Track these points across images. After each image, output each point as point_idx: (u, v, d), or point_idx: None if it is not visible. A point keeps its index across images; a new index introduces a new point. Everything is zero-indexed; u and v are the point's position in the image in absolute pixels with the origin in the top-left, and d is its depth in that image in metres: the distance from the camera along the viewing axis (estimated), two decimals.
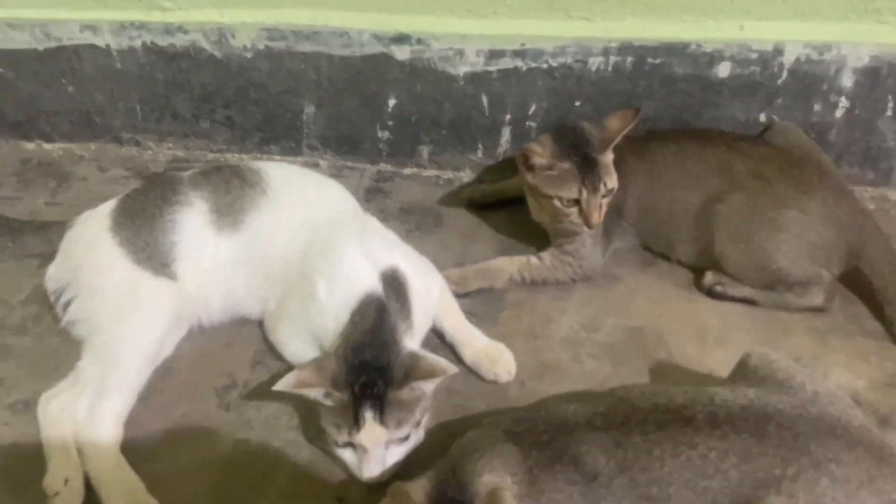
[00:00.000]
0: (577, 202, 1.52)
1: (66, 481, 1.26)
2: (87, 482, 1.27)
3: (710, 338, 1.52)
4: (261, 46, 1.83)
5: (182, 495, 1.27)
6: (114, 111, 1.99)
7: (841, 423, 1.09)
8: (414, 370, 1.24)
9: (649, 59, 1.74)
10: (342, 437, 1.23)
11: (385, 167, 1.98)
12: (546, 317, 1.58)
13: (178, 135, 2.01)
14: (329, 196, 1.54)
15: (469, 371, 1.45)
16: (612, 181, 1.52)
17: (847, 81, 1.73)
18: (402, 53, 1.79)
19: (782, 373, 1.17)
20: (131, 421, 1.34)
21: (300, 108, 1.92)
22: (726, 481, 1.05)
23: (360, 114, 1.90)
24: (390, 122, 1.91)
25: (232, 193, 1.48)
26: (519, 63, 1.77)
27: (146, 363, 1.39)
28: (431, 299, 1.47)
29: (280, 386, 1.22)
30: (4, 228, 1.64)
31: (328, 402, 1.23)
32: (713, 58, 1.72)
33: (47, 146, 2.06)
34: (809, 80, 1.74)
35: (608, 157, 1.53)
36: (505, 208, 1.82)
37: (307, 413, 1.35)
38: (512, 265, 1.64)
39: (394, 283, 1.36)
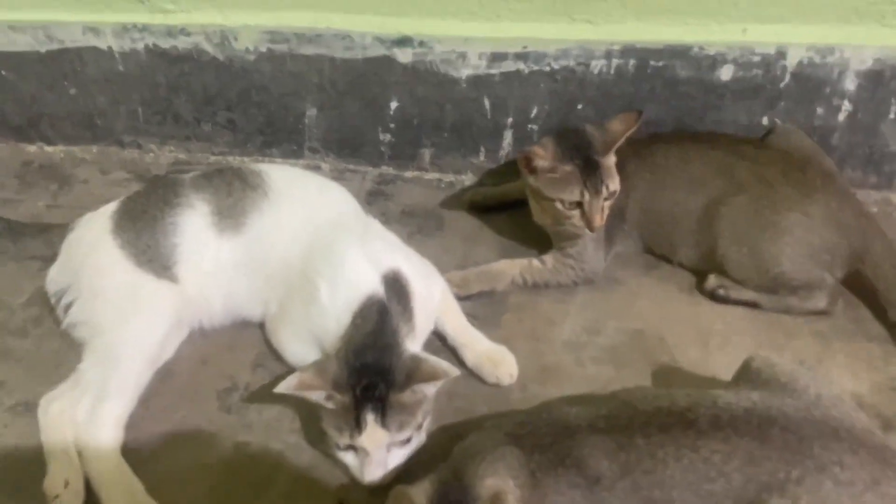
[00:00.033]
0: (579, 205, 1.51)
1: (67, 483, 1.25)
2: (87, 484, 1.27)
3: (712, 341, 1.52)
4: (263, 49, 1.83)
5: (182, 498, 1.27)
6: (115, 114, 1.98)
7: (844, 426, 1.09)
8: (416, 373, 1.24)
9: (652, 62, 1.74)
10: (344, 440, 1.23)
11: (387, 170, 1.98)
12: (548, 320, 1.58)
13: (180, 137, 2.01)
14: (331, 198, 1.54)
15: (471, 374, 1.45)
16: (614, 184, 1.52)
17: (850, 85, 1.73)
18: (404, 56, 1.79)
19: (785, 376, 1.17)
20: (132, 423, 1.34)
21: (302, 111, 1.92)
22: (729, 484, 1.04)
23: (362, 116, 1.90)
24: (392, 125, 1.90)
25: (234, 196, 1.48)
26: (521, 66, 1.77)
27: (147, 366, 1.39)
28: (433, 302, 1.46)
29: (281, 388, 1.21)
30: (5, 231, 1.63)
31: (330, 405, 1.23)
32: (716, 61, 1.72)
33: (49, 149, 2.06)
34: (812, 84, 1.73)
35: (610, 159, 1.52)
36: (507, 211, 1.82)
37: (308, 416, 1.35)
38: (514, 268, 1.63)
39: (395, 285, 1.36)
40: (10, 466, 1.31)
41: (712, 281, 1.60)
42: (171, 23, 1.85)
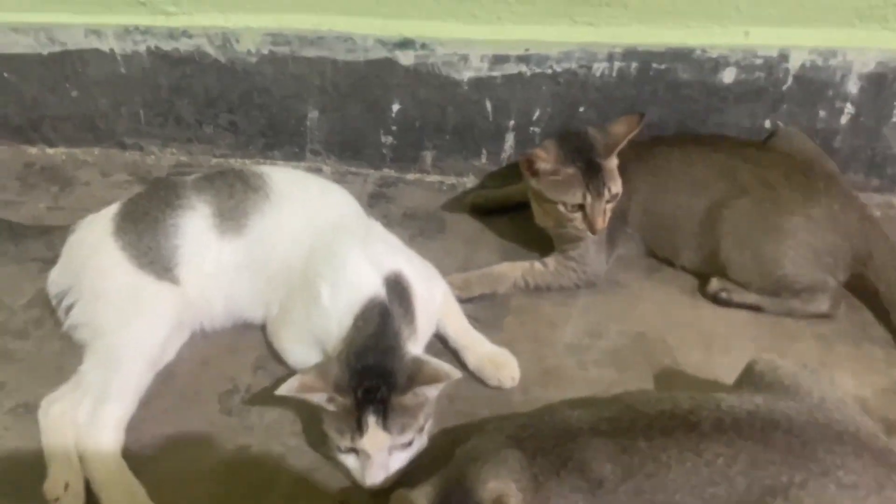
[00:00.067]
0: (581, 207, 1.51)
1: (67, 486, 1.25)
2: (87, 487, 1.26)
3: (715, 344, 1.51)
4: (265, 51, 1.83)
5: (183, 500, 1.27)
6: (117, 116, 1.98)
7: (849, 429, 1.08)
8: (418, 375, 1.23)
9: (654, 65, 1.74)
10: (345, 443, 1.22)
11: (388, 172, 1.97)
12: (550, 323, 1.57)
13: (182, 140, 2.01)
14: (333, 200, 1.53)
15: (472, 377, 1.44)
16: (616, 186, 1.51)
17: (853, 87, 1.73)
18: (406, 59, 1.79)
19: (788, 379, 1.16)
20: (132, 425, 1.34)
21: (304, 113, 1.91)
22: (733, 488, 1.04)
23: (364, 119, 1.90)
24: (394, 128, 1.90)
25: (235, 197, 1.48)
26: (523, 68, 1.77)
27: (148, 368, 1.39)
28: (435, 304, 1.46)
29: (283, 391, 1.21)
30: (7, 233, 1.63)
31: (331, 407, 1.23)
32: (718, 63, 1.72)
33: (50, 151, 2.06)
34: (815, 86, 1.73)
35: (613, 162, 1.52)
36: (508, 214, 1.81)
37: (310, 418, 1.34)
38: (515, 270, 1.63)
39: (397, 287, 1.35)
40: (11, 468, 1.31)
41: (714, 284, 1.59)
42: (172, 25, 1.85)
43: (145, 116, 1.98)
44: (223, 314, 1.49)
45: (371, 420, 1.20)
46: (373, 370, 1.22)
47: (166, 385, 1.42)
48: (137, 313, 1.39)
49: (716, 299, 1.59)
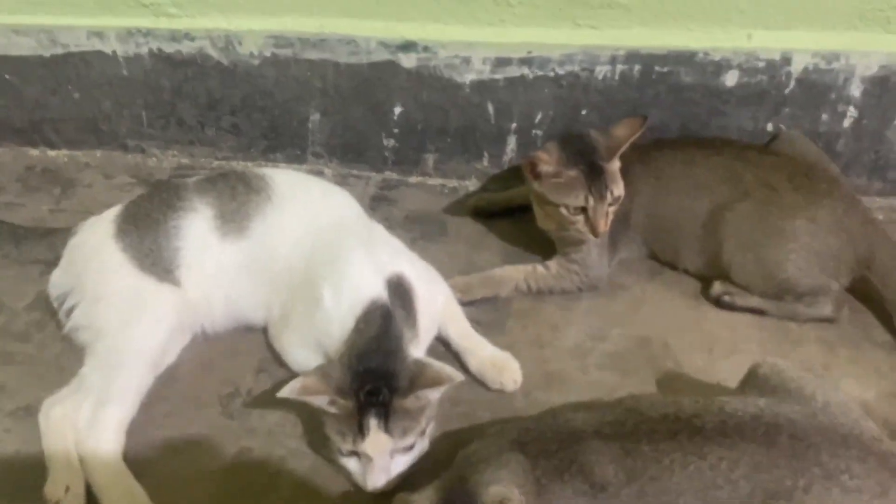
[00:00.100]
0: (583, 210, 1.50)
1: (68, 489, 1.25)
2: (88, 490, 1.26)
3: (718, 348, 1.51)
4: (267, 54, 1.83)
5: (184, 503, 1.26)
6: (119, 118, 1.98)
7: (853, 433, 1.08)
8: (419, 378, 1.23)
9: (656, 68, 1.73)
10: (347, 446, 1.22)
11: (390, 175, 1.97)
12: (552, 326, 1.57)
13: (184, 142, 2.00)
14: (335, 203, 1.53)
15: (474, 380, 1.44)
16: (618, 189, 1.51)
17: (855, 91, 1.72)
18: (408, 61, 1.79)
19: (793, 382, 1.16)
20: (133, 428, 1.33)
21: (306, 116, 1.91)
22: (736, 492, 1.03)
23: (366, 122, 1.90)
24: (396, 130, 1.90)
25: (237, 200, 1.47)
26: (525, 71, 1.77)
27: (149, 370, 1.38)
28: (437, 307, 1.46)
29: (284, 393, 1.21)
30: (8, 235, 1.63)
31: (333, 410, 1.22)
32: (721, 66, 1.72)
33: (52, 153, 2.05)
34: (817, 90, 1.73)
35: (615, 164, 1.52)
36: (510, 217, 1.81)
37: (311, 421, 1.34)
38: (518, 274, 1.63)
39: (399, 290, 1.35)
40: (11, 471, 1.30)
41: (717, 287, 1.59)
42: (175, 27, 1.85)
43: (147, 118, 1.97)
44: (224, 316, 1.49)
45: (373, 423, 1.19)
46: (374, 373, 1.22)
47: (167, 388, 1.42)
48: (139, 315, 1.39)
49: (718, 303, 1.59)
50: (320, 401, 1.22)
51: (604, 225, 1.51)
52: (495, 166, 1.92)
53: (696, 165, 1.60)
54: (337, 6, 1.78)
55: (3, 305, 1.60)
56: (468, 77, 1.79)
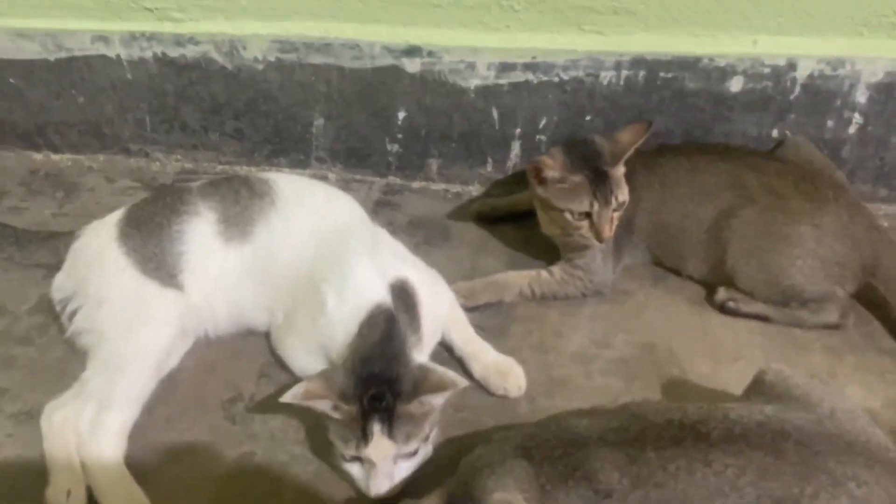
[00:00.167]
0: (588, 215, 1.50)
1: (69, 493, 1.24)
2: (89, 494, 1.25)
3: (723, 354, 1.50)
4: (271, 58, 1.83)
5: None
6: (123, 122, 1.98)
7: (860, 440, 1.07)
8: (423, 383, 1.22)
9: (661, 74, 1.73)
10: (350, 451, 1.21)
11: (394, 180, 1.97)
12: (556, 332, 1.56)
13: (187, 146, 2.00)
14: (338, 207, 1.52)
15: (478, 386, 1.43)
16: (623, 195, 1.51)
17: (861, 97, 1.72)
18: (412, 66, 1.79)
19: (799, 389, 1.15)
20: (135, 432, 1.33)
21: (310, 121, 1.91)
22: (742, 499, 1.02)
23: (370, 126, 1.89)
24: (400, 135, 1.90)
25: (241, 204, 1.47)
26: (530, 76, 1.76)
27: (151, 374, 1.38)
28: (440, 312, 1.45)
29: (287, 398, 1.20)
30: (11, 238, 1.63)
31: (336, 415, 1.21)
32: (726, 72, 1.72)
33: (55, 157, 2.05)
34: (823, 96, 1.73)
35: (620, 170, 1.51)
36: (514, 222, 1.81)
37: (314, 426, 1.33)
38: (521, 279, 1.62)
39: (403, 294, 1.34)
40: (12, 475, 1.30)
41: (722, 293, 1.58)
42: (179, 31, 1.85)
43: (151, 123, 1.97)
44: (227, 321, 1.49)
45: (376, 428, 1.18)
46: (378, 378, 1.21)
47: (169, 392, 1.41)
48: (141, 319, 1.38)
49: (723, 309, 1.58)
50: (323, 406, 1.21)
51: (608, 230, 1.50)
52: (499, 172, 1.91)
53: (700, 171, 1.60)
54: (341, 11, 1.78)
55: (5, 309, 1.60)
56: (473, 82, 1.79)
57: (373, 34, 1.78)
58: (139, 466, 1.29)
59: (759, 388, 1.20)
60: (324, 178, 1.95)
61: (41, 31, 1.88)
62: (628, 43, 1.72)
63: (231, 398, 1.43)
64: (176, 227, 1.45)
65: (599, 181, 1.48)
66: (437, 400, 1.24)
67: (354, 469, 1.23)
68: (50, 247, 1.58)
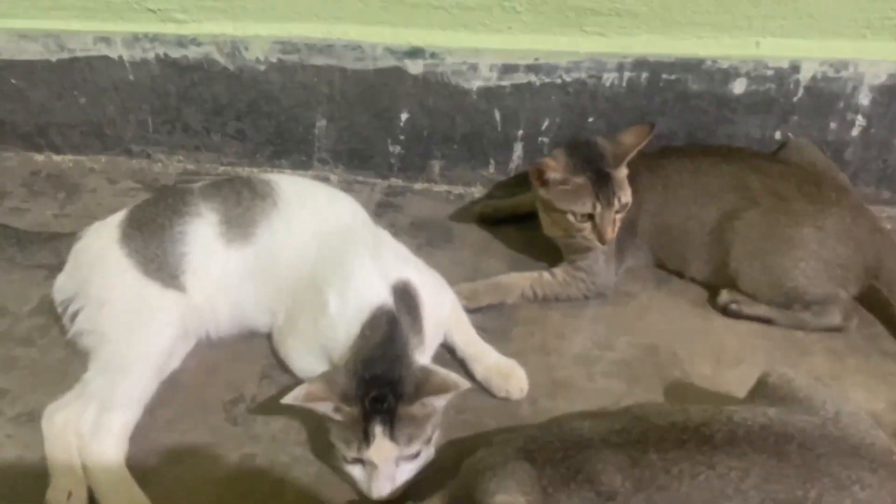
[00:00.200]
0: (590, 217, 1.50)
1: (70, 495, 1.24)
2: (90, 496, 1.25)
3: (725, 357, 1.50)
4: (274, 59, 1.83)
5: None
6: (125, 123, 1.98)
7: (864, 443, 1.07)
8: (425, 385, 1.22)
9: (664, 75, 1.73)
10: (351, 453, 1.21)
11: (396, 182, 1.97)
12: (558, 333, 1.56)
13: (189, 147, 2.00)
14: (340, 208, 1.52)
15: (480, 388, 1.42)
16: (626, 196, 1.50)
17: (864, 99, 1.72)
18: (415, 67, 1.79)
19: (802, 392, 1.15)
20: (137, 434, 1.32)
21: (312, 122, 1.91)
22: (746, 502, 1.02)
23: (372, 128, 1.89)
24: (402, 137, 1.90)
25: (243, 205, 1.47)
26: (532, 78, 1.76)
27: (153, 376, 1.37)
28: (443, 313, 1.45)
29: (289, 399, 1.19)
30: (12, 239, 1.63)
31: (338, 417, 1.21)
32: (728, 74, 1.71)
33: (57, 158, 2.05)
34: (826, 98, 1.72)
35: (622, 172, 1.51)
36: (516, 224, 1.80)
37: (315, 428, 1.33)
38: (524, 281, 1.62)
39: (405, 296, 1.34)
40: (13, 477, 1.29)
41: (725, 296, 1.58)
42: (182, 32, 1.85)
43: (153, 124, 1.97)
44: (229, 322, 1.48)
45: (378, 430, 1.18)
46: (380, 379, 1.21)
47: (171, 393, 1.41)
48: (143, 320, 1.38)
49: (726, 311, 1.58)
50: (325, 407, 1.21)
51: (611, 232, 1.50)
52: (501, 173, 1.91)
53: (703, 173, 1.60)
54: (344, 12, 1.78)
55: (6, 310, 1.59)
56: (475, 84, 1.79)
57: (375, 35, 1.78)
58: (140, 468, 1.29)
59: (762, 390, 1.20)
60: (326, 180, 1.95)
61: (43, 31, 1.88)
62: (631, 44, 1.72)
63: (232, 400, 1.43)
64: (178, 228, 1.45)
65: (602, 183, 1.48)
66: (439, 402, 1.24)
67: (356, 471, 1.23)
68: (51, 248, 1.58)
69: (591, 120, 1.79)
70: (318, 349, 1.36)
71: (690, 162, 1.62)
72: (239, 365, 1.48)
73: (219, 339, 1.49)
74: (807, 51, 1.69)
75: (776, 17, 1.67)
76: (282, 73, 1.84)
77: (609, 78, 1.74)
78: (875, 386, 1.44)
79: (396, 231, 1.68)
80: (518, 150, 1.87)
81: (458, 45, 1.76)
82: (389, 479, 1.20)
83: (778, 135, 1.77)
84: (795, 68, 1.70)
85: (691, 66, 1.71)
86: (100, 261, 1.45)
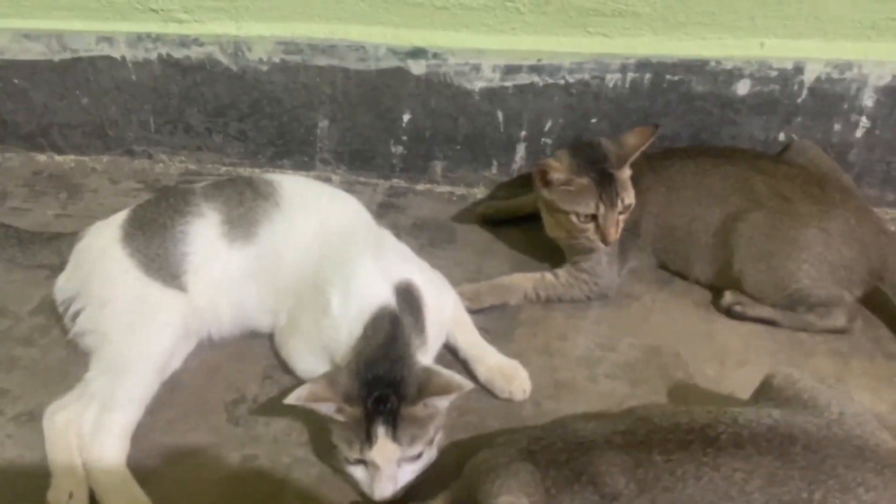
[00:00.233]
0: (594, 218, 1.49)
1: (71, 495, 1.24)
2: (91, 496, 1.25)
3: (729, 359, 1.49)
4: (276, 60, 1.83)
5: None
6: (127, 123, 1.98)
7: (869, 445, 1.06)
8: (428, 386, 1.21)
9: (668, 77, 1.72)
10: (354, 454, 1.20)
11: (398, 183, 1.96)
12: (561, 335, 1.55)
13: (191, 148, 2.00)
14: (343, 209, 1.52)
15: (483, 389, 1.42)
16: (629, 197, 1.50)
17: (868, 101, 1.71)
18: (417, 68, 1.78)
19: (807, 393, 1.14)
20: (138, 434, 1.32)
21: (314, 123, 1.91)
22: None
23: (375, 128, 1.89)
24: (404, 137, 1.89)
25: (245, 205, 1.47)
26: (535, 79, 1.76)
27: (154, 376, 1.37)
28: (445, 314, 1.45)
29: (291, 399, 1.19)
30: (13, 239, 1.63)
31: (340, 418, 1.21)
32: (732, 75, 1.71)
33: (59, 158, 2.05)
34: (830, 99, 1.72)
35: (625, 172, 1.51)
36: (519, 225, 1.80)
37: (317, 429, 1.33)
38: (526, 282, 1.61)
39: (408, 296, 1.34)
40: (14, 477, 1.29)
41: (728, 297, 1.57)
42: (184, 33, 1.85)
43: (155, 124, 1.97)
44: (231, 322, 1.48)
45: (380, 431, 1.18)
46: (383, 380, 1.21)
47: (172, 394, 1.41)
48: (145, 321, 1.38)
49: (730, 313, 1.57)
50: (327, 408, 1.20)
51: (614, 233, 1.49)
52: (504, 174, 1.91)
53: (707, 175, 1.59)
54: (346, 12, 1.78)
55: (7, 310, 1.59)
56: (478, 84, 1.78)
57: (378, 36, 1.78)
58: (141, 468, 1.28)
59: (767, 391, 1.19)
60: (328, 180, 1.94)
61: (46, 31, 1.88)
62: (634, 45, 1.72)
63: (234, 400, 1.42)
64: (179, 228, 1.45)
65: (605, 183, 1.47)
66: (442, 403, 1.23)
67: (358, 472, 1.22)
68: (53, 248, 1.58)
69: (594, 121, 1.79)
70: (320, 349, 1.36)
71: (694, 163, 1.61)
72: (240, 365, 1.48)
73: (220, 340, 1.49)
74: (811, 52, 1.69)
75: (780, 18, 1.67)
76: (284, 74, 1.84)
77: (612, 79, 1.74)
78: (879, 388, 1.43)
79: (398, 232, 1.67)
80: (521, 151, 1.86)
81: (461, 46, 1.76)
82: (392, 481, 1.19)
83: (782, 136, 1.77)
84: (799, 69, 1.70)
85: (695, 67, 1.71)
86: (101, 261, 1.44)
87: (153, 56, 1.86)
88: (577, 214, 1.50)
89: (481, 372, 1.43)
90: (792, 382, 1.17)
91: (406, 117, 1.86)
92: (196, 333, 1.47)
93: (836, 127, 1.75)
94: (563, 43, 1.74)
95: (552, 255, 1.66)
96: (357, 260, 1.37)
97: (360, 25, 1.78)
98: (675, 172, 1.61)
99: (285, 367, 1.45)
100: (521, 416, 1.39)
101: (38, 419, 1.33)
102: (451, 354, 1.47)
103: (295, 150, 1.96)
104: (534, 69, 1.75)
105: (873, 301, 1.56)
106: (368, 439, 1.18)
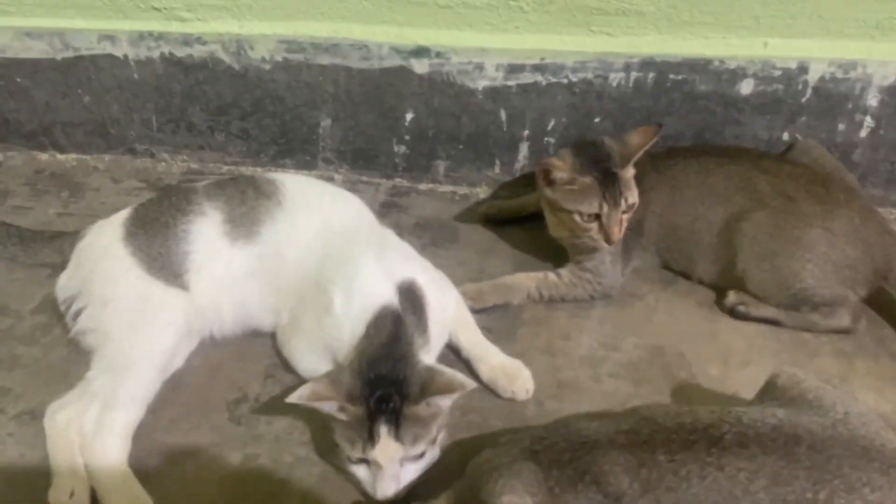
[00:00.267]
0: (597, 217, 1.49)
1: (72, 494, 1.23)
2: (93, 495, 1.24)
3: (733, 359, 1.49)
4: (279, 58, 1.82)
5: None
6: (129, 122, 1.98)
7: (874, 445, 1.05)
8: (430, 385, 1.21)
9: (671, 76, 1.72)
10: (356, 453, 1.20)
11: (400, 182, 1.96)
12: (564, 334, 1.55)
13: (193, 147, 2.00)
14: (345, 208, 1.51)
15: (486, 388, 1.41)
16: (633, 196, 1.49)
17: (872, 100, 1.71)
18: (420, 67, 1.78)
19: (812, 393, 1.13)
20: (139, 433, 1.31)
21: (316, 122, 1.90)
22: None
23: (377, 127, 1.89)
24: (407, 137, 1.89)
25: (247, 204, 1.46)
26: (539, 78, 1.76)
27: (156, 375, 1.37)
28: (448, 313, 1.44)
29: (293, 398, 1.18)
30: (16, 238, 1.62)
31: (342, 417, 1.20)
32: (736, 75, 1.71)
33: (61, 157, 2.05)
34: (834, 99, 1.72)
35: (629, 172, 1.50)
36: (522, 224, 1.80)
37: (319, 428, 1.32)
38: (529, 281, 1.61)
39: (410, 295, 1.33)
40: (15, 476, 1.28)
41: (732, 297, 1.57)
42: (187, 31, 1.85)
43: (157, 123, 1.97)
44: (233, 321, 1.47)
45: (383, 430, 1.17)
46: (385, 379, 1.20)
47: (174, 393, 1.40)
48: (146, 319, 1.37)
49: (733, 313, 1.57)
50: (329, 407, 1.20)
51: (617, 232, 1.49)
52: (507, 174, 1.90)
53: (711, 174, 1.59)
54: (349, 11, 1.77)
55: (9, 308, 1.59)
56: (481, 83, 1.78)
57: (381, 35, 1.78)
58: (143, 467, 1.28)
59: (771, 391, 1.19)
60: (330, 180, 1.94)
61: (48, 30, 1.88)
62: (638, 44, 1.72)
63: (236, 399, 1.42)
64: (181, 227, 1.44)
65: (609, 183, 1.47)
66: (445, 402, 1.23)
67: (361, 471, 1.22)
68: (55, 246, 1.57)
69: (597, 120, 1.79)
70: (322, 349, 1.35)
71: (697, 162, 1.61)
72: (242, 364, 1.47)
73: (222, 339, 1.48)
74: (815, 51, 1.69)
75: (784, 18, 1.67)
76: (287, 73, 1.84)
77: (616, 78, 1.74)
78: (884, 388, 1.43)
79: (401, 231, 1.67)
80: (524, 150, 1.86)
81: (464, 45, 1.76)
82: (394, 480, 1.19)
83: (786, 136, 1.77)
84: (803, 69, 1.69)
85: (699, 66, 1.71)
86: (103, 259, 1.44)
87: (155, 54, 1.86)
88: (581, 214, 1.49)
89: (484, 371, 1.43)
90: (796, 382, 1.16)
91: (409, 116, 1.86)
92: (198, 332, 1.46)
93: (841, 127, 1.75)
94: (566, 42, 1.74)
95: (555, 254, 1.66)
96: (359, 259, 1.36)
97: (363, 24, 1.78)
98: (678, 172, 1.61)
99: (287, 367, 1.45)
100: (525, 415, 1.38)
101: (39, 418, 1.33)
102: (453, 354, 1.47)
103: (297, 149, 1.96)
104: (537, 68, 1.75)
105: (878, 301, 1.56)
106: (371, 438, 1.17)
